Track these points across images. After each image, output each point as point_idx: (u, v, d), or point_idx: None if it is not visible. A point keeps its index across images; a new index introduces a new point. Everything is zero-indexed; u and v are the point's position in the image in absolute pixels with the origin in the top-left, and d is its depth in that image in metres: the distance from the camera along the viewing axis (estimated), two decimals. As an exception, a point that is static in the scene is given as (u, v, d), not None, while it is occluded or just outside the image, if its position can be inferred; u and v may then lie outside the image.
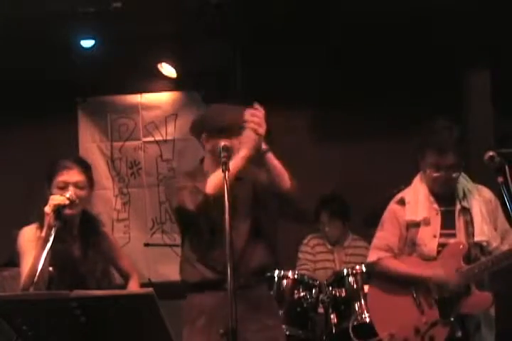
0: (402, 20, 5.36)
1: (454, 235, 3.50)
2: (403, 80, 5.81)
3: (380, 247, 3.62)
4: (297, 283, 4.43)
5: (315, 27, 5.49)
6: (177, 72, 6.18)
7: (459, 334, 3.41)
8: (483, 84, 5.62)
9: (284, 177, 3.17)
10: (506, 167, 3.28)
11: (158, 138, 6.39)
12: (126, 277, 3.46)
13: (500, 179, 3.28)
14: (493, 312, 3.54)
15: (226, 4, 5.17)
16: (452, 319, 3.42)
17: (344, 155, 6.01)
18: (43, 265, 2.88)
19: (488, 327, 3.50)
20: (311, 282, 4.47)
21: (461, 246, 3.45)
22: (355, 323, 4.20)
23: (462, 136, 3.52)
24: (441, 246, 3.48)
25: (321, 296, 4.41)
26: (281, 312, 4.08)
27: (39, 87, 6.05)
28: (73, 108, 6.40)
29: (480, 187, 3.60)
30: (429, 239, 3.49)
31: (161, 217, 6.35)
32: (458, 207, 3.52)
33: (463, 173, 3.56)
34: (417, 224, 3.53)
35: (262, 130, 3.08)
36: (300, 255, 5.10)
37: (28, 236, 3.16)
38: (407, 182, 3.75)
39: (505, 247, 3.44)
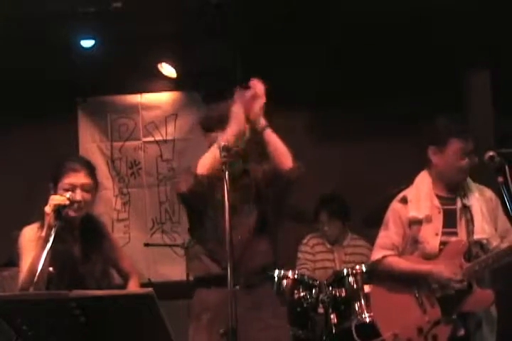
0: (402, 20, 5.36)
1: (455, 233, 3.51)
2: (403, 80, 5.81)
3: (385, 246, 3.63)
4: (297, 283, 4.43)
5: (315, 27, 5.49)
6: (177, 72, 6.18)
7: (462, 332, 3.42)
8: (483, 84, 5.62)
9: (285, 157, 3.13)
10: (506, 167, 3.29)
11: (158, 138, 6.39)
12: (126, 277, 3.46)
13: (500, 179, 3.29)
14: (494, 311, 3.55)
15: (226, 4, 5.17)
16: (454, 317, 3.42)
17: (344, 155, 6.01)
18: (43, 265, 2.88)
19: (489, 326, 3.50)
20: (311, 282, 4.47)
21: (462, 244, 3.46)
22: (352, 323, 4.20)
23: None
24: (443, 244, 3.49)
25: (321, 296, 4.41)
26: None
27: (39, 87, 6.05)
28: (73, 108, 6.40)
29: (481, 186, 3.61)
30: (431, 236, 3.50)
31: (161, 217, 6.35)
32: (459, 205, 3.53)
33: None
34: (419, 222, 3.54)
35: (261, 102, 3.09)
36: (300, 255, 5.10)
37: (29, 236, 3.16)
38: (407, 182, 3.75)
39: (505, 245, 3.45)
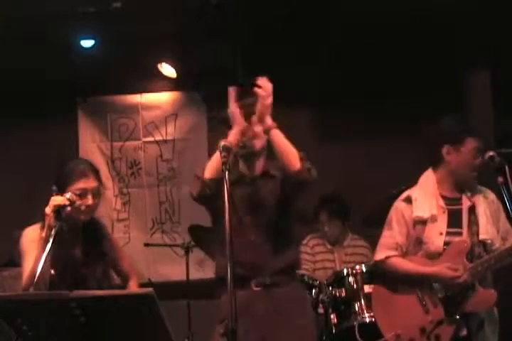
0: (402, 20, 5.36)
1: (460, 234, 3.51)
2: (403, 80, 5.81)
3: (388, 246, 3.63)
4: (297, 283, 4.42)
5: (315, 27, 5.49)
6: (177, 72, 6.18)
7: (464, 332, 3.42)
8: (483, 84, 5.62)
9: (292, 158, 3.10)
10: (506, 167, 3.29)
11: (158, 138, 6.39)
12: (125, 278, 3.46)
13: (500, 179, 3.30)
14: (496, 311, 3.55)
15: (226, 4, 5.17)
16: (457, 317, 3.42)
17: (344, 155, 6.01)
18: (44, 265, 2.88)
19: (491, 327, 3.51)
20: (311, 282, 4.46)
21: (465, 245, 3.47)
22: (355, 323, 4.20)
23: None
24: (447, 244, 3.49)
25: (321, 296, 4.40)
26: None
27: (39, 87, 6.05)
28: (73, 108, 6.40)
29: (483, 188, 3.61)
30: (435, 236, 3.50)
31: (161, 217, 6.35)
32: (466, 205, 3.54)
33: None
34: (423, 222, 3.54)
35: (269, 100, 3.07)
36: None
37: (31, 237, 3.16)
38: (407, 182, 3.75)
39: (507, 245, 3.45)
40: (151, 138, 6.40)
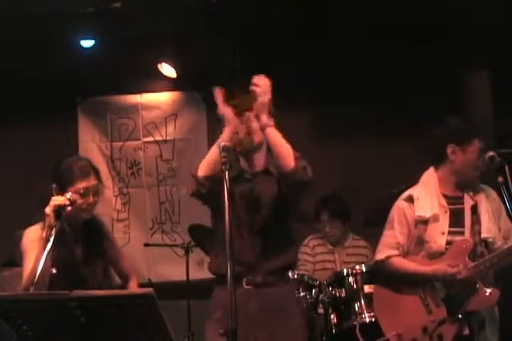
0: (402, 20, 5.36)
1: (461, 233, 3.51)
2: (403, 80, 5.81)
3: (389, 245, 3.62)
4: (297, 283, 4.42)
5: (315, 27, 5.49)
6: (177, 72, 6.18)
7: (467, 331, 3.43)
8: (483, 84, 5.62)
9: (286, 157, 3.08)
10: (506, 167, 3.29)
11: (158, 138, 6.39)
12: (125, 278, 3.46)
13: (500, 179, 3.30)
14: (497, 310, 3.55)
15: (226, 4, 5.17)
16: (460, 316, 3.42)
17: (344, 155, 6.01)
18: (44, 265, 2.88)
19: (492, 326, 3.50)
20: (311, 282, 4.47)
21: (467, 244, 3.46)
22: (355, 323, 4.20)
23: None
24: (449, 243, 3.49)
25: (320, 296, 4.40)
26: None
27: (39, 87, 6.05)
28: (73, 108, 6.40)
29: (485, 186, 3.61)
30: (437, 236, 3.50)
31: (161, 217, 6.35)
32: (468, 204, 3.54)
33: None
34: (425, 221, 3.53)
35: (266, 98, 3.07)
36: (299, 256, 5.08)
37: (32, 236, 3.16)
38: (407, 182, 3.75)
39: (509, 244, 3.45)
40: (151, 138, 6.40)
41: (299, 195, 3.22)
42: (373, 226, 3.84)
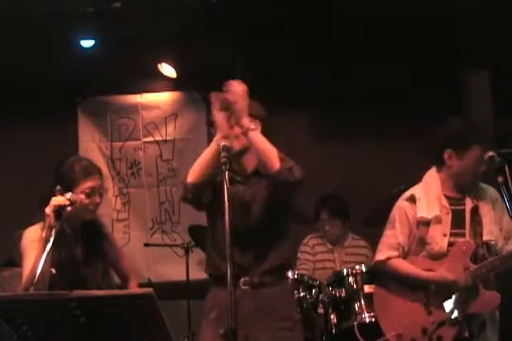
0: (402, 20, 5.36)
1: (463, 235, 3.49)
2: (403, 80, 5.81)
3: (390, 246, 3.60)
4: (297, 283, 4.42)
5: (315, 27, 5.49)
6: (177, 72, 6.18)
7: (466, 334, 3.41)
8: (483, 84, 5.62)
9: (271, 159, 3.07)
10: (506, 167, 3.28)
11: (158, 138, 6.39)
12: (125, 278, 3.46)
13: (500, 179, 3.29)
14: (497, 312, 3.54)
15: (226, 4, 5.17)
16: (460, 319, 3.41)
17: (344, 155, 6.01)
18: (44, 266, 2.88)
19: (492, 327, 3.50)
20: (311, 282, 4.46)
21: (469, 246, 3.45)
22: (355, 323, 4.20)
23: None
24: (450, 245, 3.48)
25: (320, 296, 4.40)
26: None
27: (39, 87, 6.05)
28: (73, 108, 6.40)
29: (486, 186, 3.58)
30: (439, 237, 3.49)
31: (160, 217, 6.35)
32: (469, 206, 3.52)
33: None
34: (427, 223, 3.52)
35: (241, 103, 3.06)
36: (299, 255, 5.09)
37: (32, 237, 3.16)
38: (407, 182, 3.75)
39: (510, 246, 3.44)
40: (151, 138, 6.40)
41: (288, 195, 3.22)
42: (373, 226, 3.84)
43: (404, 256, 3.60)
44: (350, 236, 5.11)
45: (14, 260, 4.24)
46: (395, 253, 3.59)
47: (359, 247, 5.05)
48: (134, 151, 6.41)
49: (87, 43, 5.85)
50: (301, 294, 4.39)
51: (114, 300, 2.55)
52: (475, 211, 3.51)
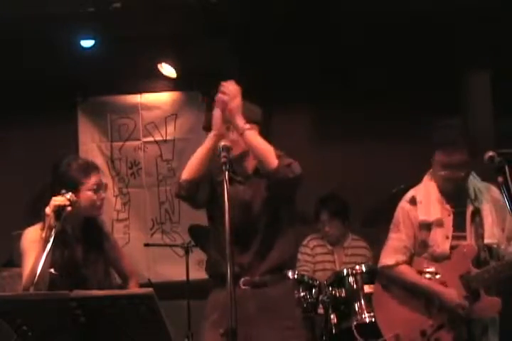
0: (402, 20, 5.36)
1: (464, 238, 3.49)
2: (403, 80, 5.81)
3: (397, 250, 3.58)
4: (297, 283, 4.42)
5: (315, 27, 5.49)
6: (177, 72, 6.18)
7: (465, 337, 3.41)
8: (483, 84, 5.62)
9: (267, 157, 3.08)
10: (506, 167, 3.28)
11: (158, 138, 6.39)
12: (125, 278, 3.46)
13: (500, 179, 3.28)
14: (497, 315, 3.53)
15: (226, 4, 5.17)
16: (459, 323, 3.41)
17: (344, 155, 6.01)
18: (44, 266, 2.88)
19: (493, 331, 3.49)
20: (311, 282, 4.46)
21: (471, 249, 3.44)
22: (354, 323, 4.20)
23: (468, 134, 3.53)
24: (452, 248, 3.47)
25: (320, 296, 4.40)
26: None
27: (39, 87, 6.05)
28: (73, 108, 6.39)
29: (489, 185, 3.56)
30: (441, 240, 3.48)
31: (160, 217, 6.35)
32: (470, 208, 3.51)
33: (473, 172, 3.56)
34: (429, 225, 3.51)
35: (234, 104, 3.07)
36: (299, 256, 5.08)
37: (31, 237, 3.16)
38: (407, 182, 3.74)
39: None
40: (151, 138, 6.40)
41: (288, 192, 3.21)
42: (372, 226, 3.83)
43: (411, 260, 3.59)
44: (349, 237, 5.10)
45: (14, 260, 4.24)
46: (403, 257, 3.57)
47: (359, 248, 5.04)
48: (134, 151, 6.40)
49: (87, 43, 5.85)
50: (301, 294, 4.39)
51: (114, 300, 2.55)
52: (476, 213, 3.49)
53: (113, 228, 6.17)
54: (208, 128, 3.30)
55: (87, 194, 3.18)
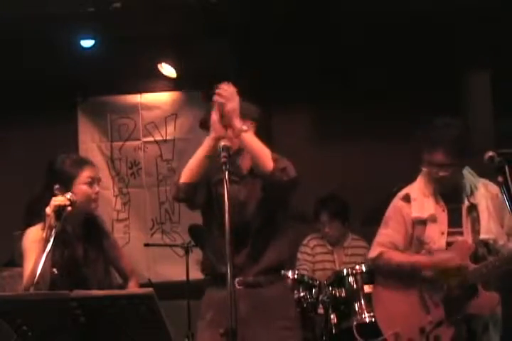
0: (402, 20, 5.36)
1: (461, 233, 3.48)
2: (403, 80, 5.81)
3: (383, 244, 3.59)
4: (297, 283, 4.43)
5: (315, 27, 5.49)
6: (177, 72, 6.18)
7: (465, 334, 3.41)
8: (483, 84, 5.62)
9: (263, 160, 3.08)
10: (506, 167, 3.28)
11: (158, 138, 6.39)
12: (125, 278, 3.46)
13: (500, 179, 3.28)
14: (499, 310, 3.52)
15: (226, 4, 5.17)
16: (458, 318, 3.40)
17: (344, 156, 6.01)
18: (44, 266, 2.88)
19: (494, 328, 3.48)
20: (311, 282, 4.47)
21: (468, 245, 3.44)
22: (354, 323, 4.20)
23: (463, 134, 3.50)
24: (448, 244, 3.47)
25: (320, 296, 4.40)
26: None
27: (39, 86, 6.05)
28: (73, 108, 6.40)
29: (486, 182, 3.55)
30: (437, 236, 3.48)
31: (160, 217, 6.35)
32: (466, 204, 3.51)
33: (469, 169, 3.55)
34: (423, 222, 3.51)
35: (231, 106, 3.07)
36: (299, 255, 5.09)
37: (32, 237, 3.15)
38: (407, 182, 3.74)
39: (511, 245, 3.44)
40: (151, 138, 6.40)
41: (283, 195, 3.22)
42: (371, 225, 3.83)
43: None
44: (349, 237, 5.11)
45: (14, 260, 4.24)
46: (387, 250, 3.58)
47: (359, 248, 5.05)
48: (134, 151, 6.41)
49: (87, 43, 5.85)
50: (301, 294, 4.39)
51: (114, 300, 2.55)
52: (472, 208, 3.49)
53: (113, 228, 6.17)
54: (203, 125, 3.30)
55: (81, 188, 3.18)
